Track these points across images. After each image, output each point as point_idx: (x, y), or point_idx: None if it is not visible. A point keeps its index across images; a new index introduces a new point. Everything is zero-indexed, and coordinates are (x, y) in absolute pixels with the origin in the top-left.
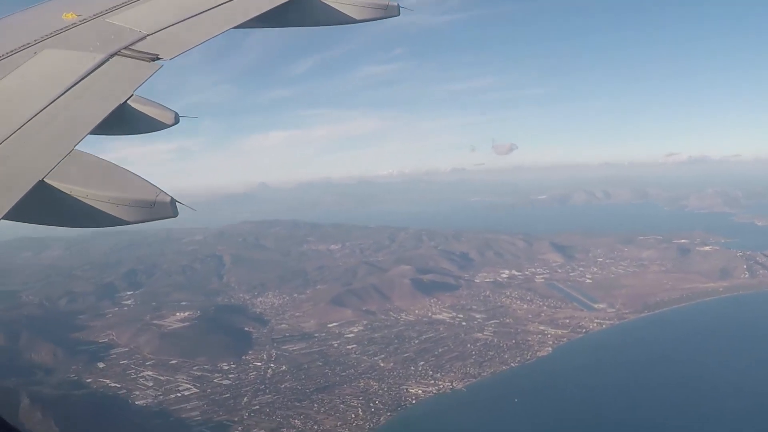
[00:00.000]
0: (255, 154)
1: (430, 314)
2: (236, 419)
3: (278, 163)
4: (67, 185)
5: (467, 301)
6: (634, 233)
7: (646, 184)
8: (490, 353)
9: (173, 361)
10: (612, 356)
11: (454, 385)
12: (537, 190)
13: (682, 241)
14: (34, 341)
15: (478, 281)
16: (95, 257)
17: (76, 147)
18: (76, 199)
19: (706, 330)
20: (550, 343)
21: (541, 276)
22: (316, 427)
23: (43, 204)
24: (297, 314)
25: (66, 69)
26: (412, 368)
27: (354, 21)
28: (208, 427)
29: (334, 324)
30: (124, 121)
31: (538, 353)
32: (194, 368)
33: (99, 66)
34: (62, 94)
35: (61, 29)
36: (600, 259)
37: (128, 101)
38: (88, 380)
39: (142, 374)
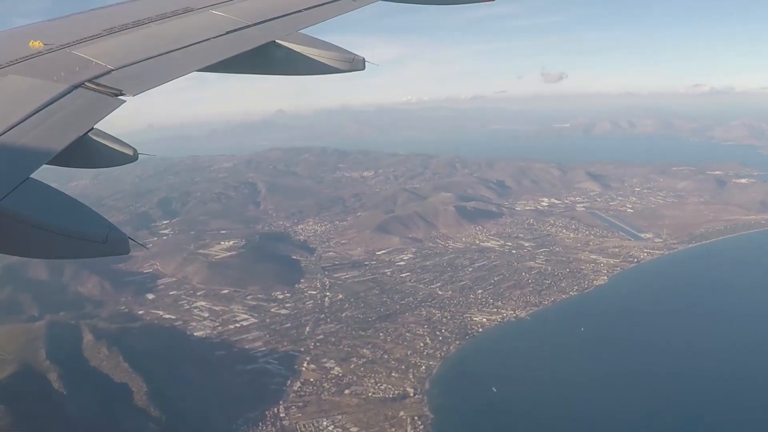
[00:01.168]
0: (271, 81)
1: (477, 242)
2: (302, 349)
3: (295, 89)
4: (19, 214)
5: (512, 229)
6: (666, 164)
7: (670, 114)
8: (547, 282)
9: (225, 291)
10: (670, 285)
11: (517, 313)
12: (559, 118)
13: (716, 172)
14: (78, 274)
15: (519, 209)
16: (124, 186)
17: (32, 176)
18: (28, 228)
19: (755, 261)
20: (605, 272)
21: (582, 205)
22: (386, 356)
23: None
24: (342, 242)
25: (28, 97)
26: (472, 296)
27: (317, 72)
28: (275, 358)
29: (383, 251)
30: (82, 153)
31: (594, 282)
32: (248, 297)
33: (62, 96)
34: (21, 121)
35: (27, 57)
36: (637, 189)
37: (88, 134)
38: (140, 312)
39: (195, 305)
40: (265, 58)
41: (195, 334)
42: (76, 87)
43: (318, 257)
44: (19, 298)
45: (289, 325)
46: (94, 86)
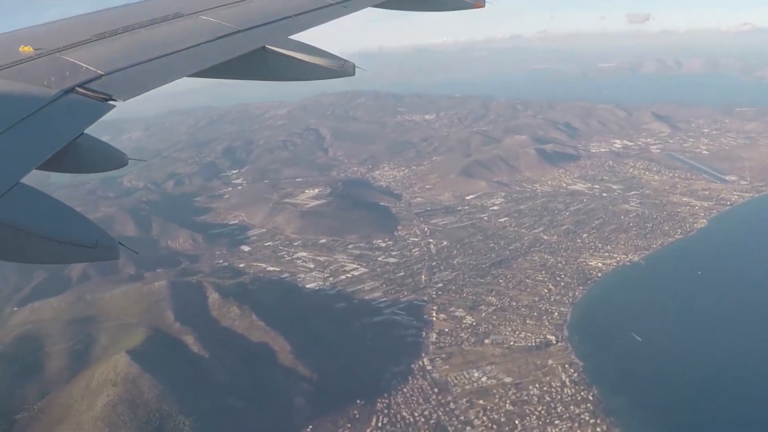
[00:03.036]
0: None
1: (564, 185)
2: (425, 299)
3: (325, 32)
4: (8, 219)
5: (594, 171)
6: (728, 105)
7: (716, 53)
8: (648, 225)
9: (322, 241)
10: None
11: (630, 257)
12: (602, 57)
13: None
14: (166, 228)
15: (594, 151)
16: (181, 137)
17: (22, 181)
18: (17, 233)
19: None
20: (702, 214)
21: (655, 146)
22: (514, 304)
23: None
24: (427, 187)
25: (18, 102)
26: (579, 241)
27: (308, 78)
28: (400, 309)
29: (472, 196)
30: (72, 159)
31: (695, 225)
32: (349, 246)
33: (51, 102)
34: (11, 126)
35: (17, 62)
36: (705, 131)
37: (78, 140)
38: (241, 265)
39: (296, 256)
40: (255, 64)
41: (307, 286)
42: (66, 92)
43: (407, 203)
44: None
45: (402, 273)
46: (84, 91)
